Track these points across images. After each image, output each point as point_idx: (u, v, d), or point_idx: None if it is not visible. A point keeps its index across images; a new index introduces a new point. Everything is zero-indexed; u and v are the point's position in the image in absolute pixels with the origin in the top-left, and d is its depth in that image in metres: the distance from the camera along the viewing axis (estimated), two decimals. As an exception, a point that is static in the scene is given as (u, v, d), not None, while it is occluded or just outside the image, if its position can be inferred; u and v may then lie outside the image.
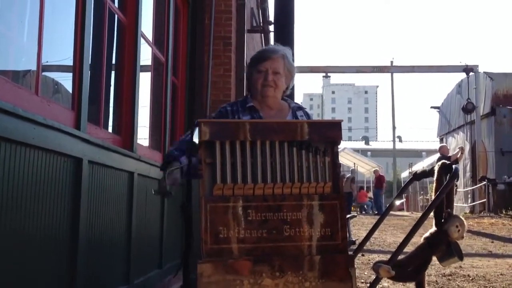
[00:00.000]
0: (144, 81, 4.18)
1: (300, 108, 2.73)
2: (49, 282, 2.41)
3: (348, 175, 21.21)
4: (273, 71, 2.57)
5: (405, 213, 19.74)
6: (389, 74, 23.67)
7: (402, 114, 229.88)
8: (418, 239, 2.42)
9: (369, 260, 6.25)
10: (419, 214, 14.84)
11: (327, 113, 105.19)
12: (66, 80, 2.98)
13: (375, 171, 21.47)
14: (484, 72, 19.15)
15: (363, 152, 46.93)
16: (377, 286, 2.44)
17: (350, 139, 77.37)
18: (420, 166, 25.37)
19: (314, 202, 2.03)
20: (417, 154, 50.89)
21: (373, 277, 3.45)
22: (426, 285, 2.45)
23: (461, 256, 2.25)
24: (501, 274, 5.36)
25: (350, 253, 2.10)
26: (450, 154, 12.90)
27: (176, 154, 2.46)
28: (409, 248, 2.36)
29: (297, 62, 6.21)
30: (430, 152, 40.97)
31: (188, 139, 2.49)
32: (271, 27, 8.14)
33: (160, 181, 2.43)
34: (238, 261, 1.93)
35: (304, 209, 2.02)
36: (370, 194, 24.63)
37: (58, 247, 2.50)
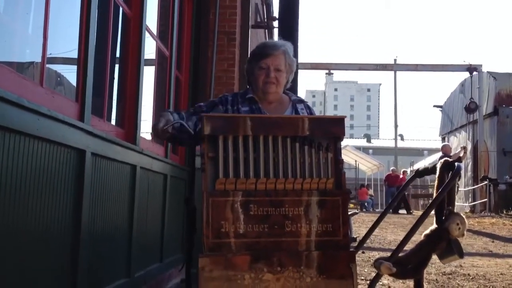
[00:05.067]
0: (148, 74, 4.18)
1: (301, 101, 2.72)
2: (50, 274, 2.42)
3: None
4: (275, 68, 2.56)
5: (405, 211, 19.69)
6: (392, 72, 23.64)
7: (405, 113, 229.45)
8: (418, 237, 2.42)
9: (369, 257, 6.25)
10: (419, 213, 14.81)
11: (329, 110, 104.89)
12: (70, 73, 2.99)
13: (392, 170, 21.32)
14: (487, 71, 19.11)
15: (364, 149, 47.01)
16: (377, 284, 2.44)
17: (352, 136, 77.34)
18: (421, 164, 25.34)
19: (316, 198, 2.03)
20: (419, 153, 50.97)
21: (373, 274, 3.46)
22: (426, 283, 2.46)
23: (461, 254, 2.25)
24: (501, 274, 5.36)
25: (351, 249, 2.11)
26: (452, 153, 12.90)
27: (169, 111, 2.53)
28: (408, 246, 2.36)
29: (300, 59, 6.19)
30: (432, 151, 41.02)
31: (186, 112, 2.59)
32: (275, 23, 8.13)
33: (155, 124, 2.42)
34: (237, 256, 1.93)
35: (306, 205, 2.02)
36: (371, 192, 24.60)
37: (60, 239, 2.50)
